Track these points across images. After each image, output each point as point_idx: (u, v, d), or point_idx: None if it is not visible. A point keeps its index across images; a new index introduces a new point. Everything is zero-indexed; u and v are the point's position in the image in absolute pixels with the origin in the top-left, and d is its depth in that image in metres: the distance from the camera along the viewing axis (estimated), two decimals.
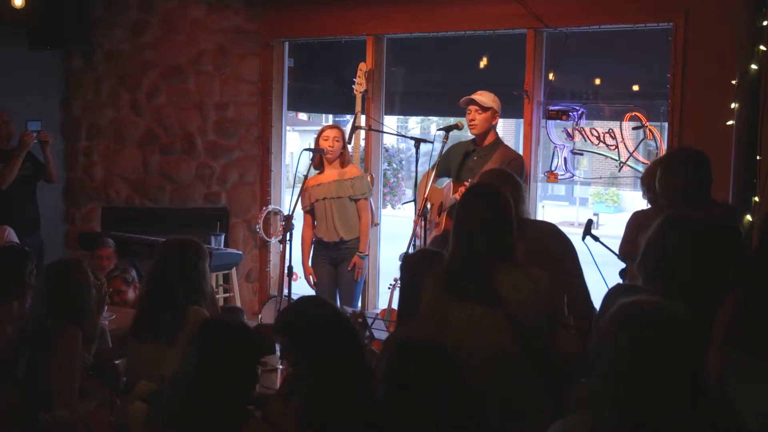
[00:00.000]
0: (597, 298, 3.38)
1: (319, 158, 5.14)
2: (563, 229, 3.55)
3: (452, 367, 2.25)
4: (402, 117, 18.59)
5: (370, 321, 3.65)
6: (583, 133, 5.18)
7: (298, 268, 5.26)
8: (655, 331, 1.70)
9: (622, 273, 3.95)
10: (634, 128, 5.07)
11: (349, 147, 5.33)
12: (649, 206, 3.75)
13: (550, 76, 5.30)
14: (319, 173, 5.19)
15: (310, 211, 5.22)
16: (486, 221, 2.69)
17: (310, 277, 5.26)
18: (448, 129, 4.84)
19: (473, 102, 4.66)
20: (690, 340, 1.70)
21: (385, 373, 2.22)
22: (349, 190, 5.11)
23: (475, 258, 2.65)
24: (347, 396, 2.53)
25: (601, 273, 3.96)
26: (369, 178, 5.44)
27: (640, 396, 1.66)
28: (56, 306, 3.13)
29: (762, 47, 4.14)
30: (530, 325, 2.63)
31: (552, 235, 3.40)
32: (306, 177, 5.17)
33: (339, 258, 5.16)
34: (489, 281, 2.62)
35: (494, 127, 4.74)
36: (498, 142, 4.75)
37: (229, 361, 2.33)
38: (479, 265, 2.65)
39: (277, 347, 3.33)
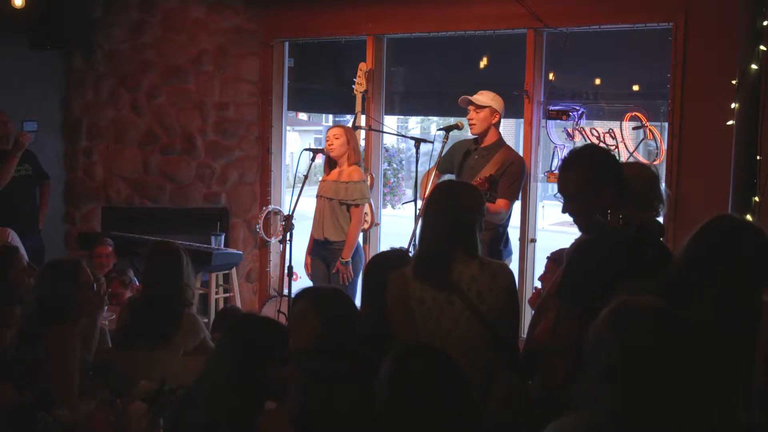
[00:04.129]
0: None
1: (328, 157, 5.20)
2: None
3: (457, 368, 2.25)
4: (402, 117, 18.58)
5: None
6: (583, 133, 5.17)
7: (298, 268, 5.27)
8: (647, 330, 1.69)
9: None
10: (634, 128, 5.06)
11: (355, 146, 5.29)
12: None
13: (550, 76, 5.30)
14: (331, 169, 5.24)
15: None
16: (447, 214, 2.81)
17: (307, 266, 5.34)
18: (448, 129, 4.85)
19: (470, 101, 4.67)
20: (684, 340, 1.70)
21: (389, 374, 2.22)
22: (341, 193, 5.10)
23: (435, 248, 2.78)
24: (346, 396, 2.53)
25: None
26: (369, 179, 5.45)
27: (632, 396, 1.66)
28: (55, 306, 3.14)
29: (762, 47, 4.14)
30: (492, 315, 2.73)
31: None
32: (307, 171, 5.21)
33: (329, 257, 5.20)
34: (447, 270, 2.74)
35: (495, 126, 4.74)
36: (500, 142, 4.75)
37: (252, 356, 2.34)
38: (439, 255, 2.77)
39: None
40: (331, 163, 5.24)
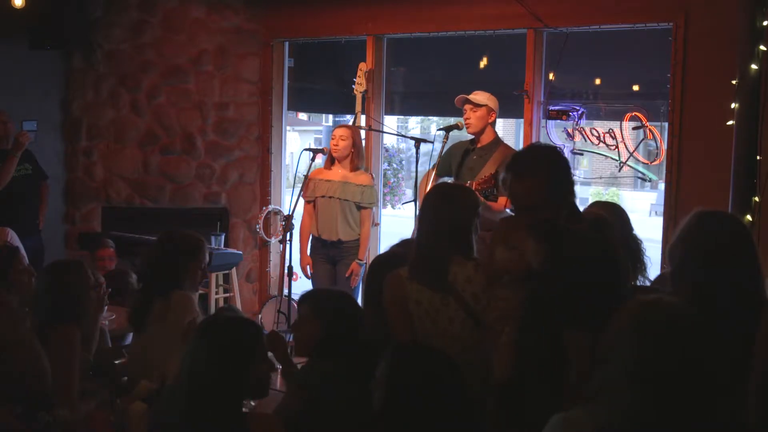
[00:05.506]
0: None
1: (329, 155, 5.17)
2: None
3: (454, 368, 2.25)
4: (402, 117, 18.58)
5: None
6: (583, 133, 5.18)
7: (298, 268, 5.27)
8: (673, 332, 1.70)
9: None
10: (634, 128, 5.07)
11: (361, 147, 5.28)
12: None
13: (550, 76, 5.30)
14: (327, 168, 5.20)
15: (312, 202, 5.21)
16: (443, 217, 2.80)
17: (307, 268, 5.25)
18: (448, 129, 4.84)
19: (467, 101, 4.67)
20: (705, 340, 1.71)
21: (387, 374, 2.21)
22: (357, 196, 5.10)
23: (431, 250, 2.77)
24: (344, 396, 2.53)
25: None
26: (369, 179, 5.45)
27: (652, 393, 1.67)
28: (55, 306, 3.14)
29: (762, 47, 4.15)
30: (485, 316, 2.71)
31: None
32: (307, 173, 5.19)
33: (337, 257, 5.16)
34: (443, 272, 2.73)
35: (492, 125, 4.74)
36: (497, 141, 4.74)
37: (234, 357, 2.32)
38: (435, 257, 2.76)
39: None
40: (330, 160, 5.22)
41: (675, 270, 2.42)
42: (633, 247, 3.24)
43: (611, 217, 3.22)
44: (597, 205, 3.52)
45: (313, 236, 5.24)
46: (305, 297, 2.94)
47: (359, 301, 5.40)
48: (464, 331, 2.72)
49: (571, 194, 2.54)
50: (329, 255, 5.17)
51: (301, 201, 5.19)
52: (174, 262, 3.36)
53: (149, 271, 3.43)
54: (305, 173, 5.21)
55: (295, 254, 5.20)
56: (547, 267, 2.41)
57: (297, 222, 5.27)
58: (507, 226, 2.62)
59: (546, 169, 2.47)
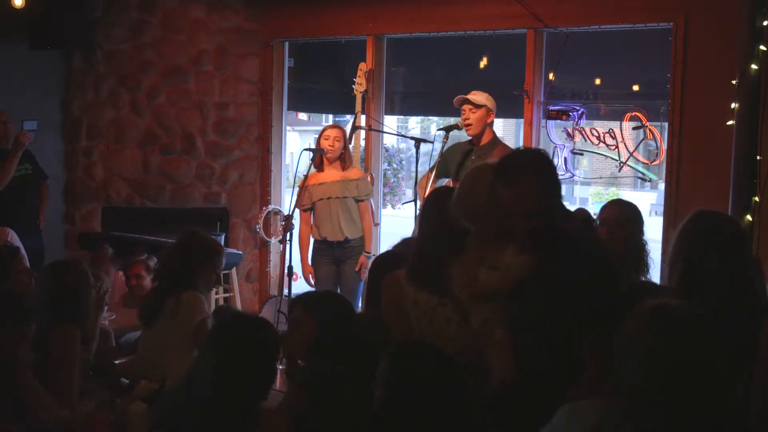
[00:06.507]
0: None
1: (319, 157, 5.16)
2: None
3: (453, 368, 2.25)
4: (402, 117, 18.58)
5: None
6: (583, 133, 5.18)
7: (298, 268, 5.26)
8: (682, 333, 1.71)
9: None
10: (634, 128, 5.07)
11: (350, 147, 5.34)
12: None
13: (550, 76, 5.30)
14: (318, 172, 5.20)
15: (309, 210, 5.21)
16: (443, 219, 2.76)
17: (310, 276, 5.26)
18: (448, 129, 4.84)
19: (466, 101, 4.66)
20: (716, 343, 1.72)
21: (386, 373, 2.21)
22: (354, 191, 5.14)
23: (431, 252, 2.75)
24: (344, 396, 2.53)
25: None
26: (369, 178, 5.45)
27: (662, 395, 1.68)
28: (55, 306, 3.14)
29: (762, 47, 4.15)
30: None
31: None
32: (306, 176, 5.18)
33: (343, 257, 5.16)
34: (441, 273, 2.69)
35: (490, 125, 4.74)
36: (495, 140, 4.75)
37: (250, 356, 2.33)
38: (434, 258, 2.73)
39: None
40: (319, 163, 5.19)
41: (673, 269, 2.43)
42: (638, 246, 3.27)
43: (627, 214, 3.28)
44: (614, 203, 3.58)
45: (315, 240, 5.24)
46: (296, 300, 2.97)
47: (359, 301, 5.42)
48: (461, 332, 2.72)
49: (559, 196, 2.53)
50: (335, 256, 5.18)
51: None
52: (191, 263, 3.42)
53: (166, 269, 3.46)
54: (305, 173, 5.19)
55: (295, 256, 5.20)
56: (540, 272, 2.40)
57: (297, 222, 5.26)
58: (479, 242, 2.59)
59: (534, 175, 2.42)
